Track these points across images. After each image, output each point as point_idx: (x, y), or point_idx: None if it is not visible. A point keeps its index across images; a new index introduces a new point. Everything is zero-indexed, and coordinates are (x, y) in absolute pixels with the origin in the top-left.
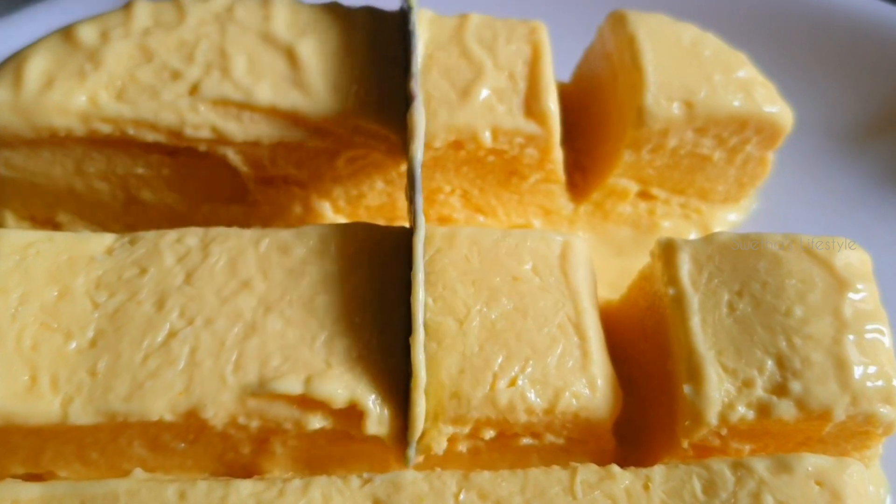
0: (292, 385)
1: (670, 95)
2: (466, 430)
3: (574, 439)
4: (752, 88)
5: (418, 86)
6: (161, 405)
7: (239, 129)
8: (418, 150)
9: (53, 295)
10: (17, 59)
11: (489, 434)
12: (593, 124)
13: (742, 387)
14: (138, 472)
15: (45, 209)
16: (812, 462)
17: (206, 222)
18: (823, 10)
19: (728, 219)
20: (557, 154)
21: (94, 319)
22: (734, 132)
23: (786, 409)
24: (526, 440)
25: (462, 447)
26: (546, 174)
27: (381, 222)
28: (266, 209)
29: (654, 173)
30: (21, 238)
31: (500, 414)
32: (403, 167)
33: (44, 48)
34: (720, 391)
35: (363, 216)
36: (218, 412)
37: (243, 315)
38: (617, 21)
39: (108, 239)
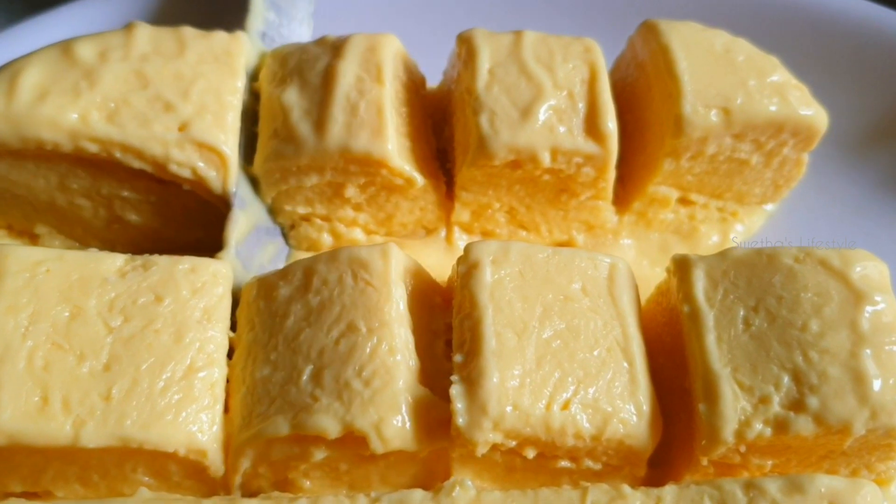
0: (280, 427)
1: (707, 103)
2: (513, 444)
3: (611, 465)
4: (786, 92)
5: None
6: (180, 438)
7: (218, 178)
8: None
9: (65, 315)
10: (12, 69)
11: (531, 453)
12: (628, 133)
13: (758, 404)
14: (143, 492)
15: (24, 220)
16: (825, 483)
17: (199, 246)
18: (826, 17)
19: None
20: (612, 173)
21: (108, 343)
22: (771, 136)
23: (803, 425)
24: (563, 463)
25: (499, 458)
26: (597, 192)
27: (422, 234)
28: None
29: (694, 179)
30: (30, 255)
31: (550, 436)
32: (421, 184)
33: (40, 60)
34: (736, 409)
35: (399, 233)
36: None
37: (235, 368)
38: (649, 31)
39: (118, 260)
